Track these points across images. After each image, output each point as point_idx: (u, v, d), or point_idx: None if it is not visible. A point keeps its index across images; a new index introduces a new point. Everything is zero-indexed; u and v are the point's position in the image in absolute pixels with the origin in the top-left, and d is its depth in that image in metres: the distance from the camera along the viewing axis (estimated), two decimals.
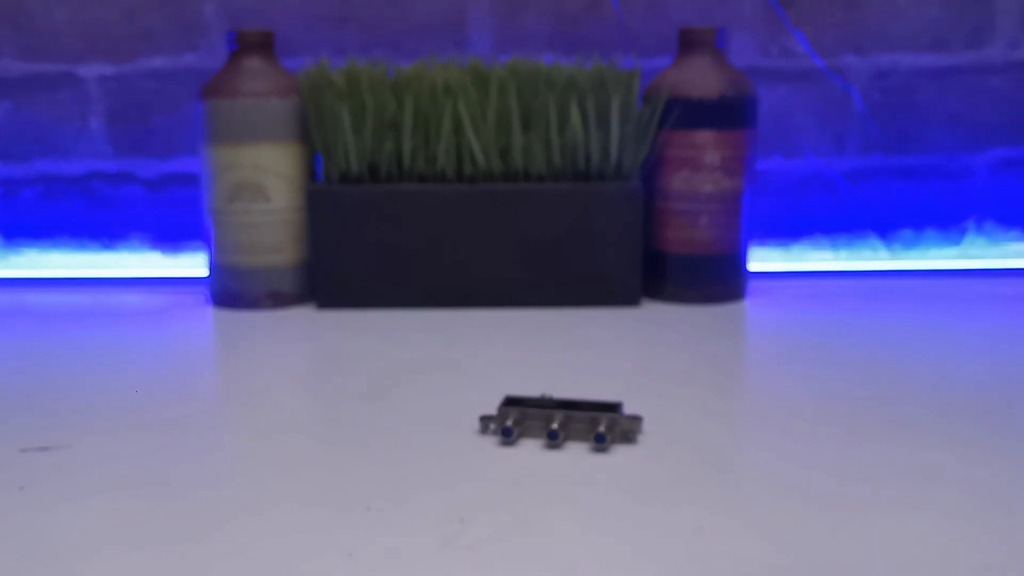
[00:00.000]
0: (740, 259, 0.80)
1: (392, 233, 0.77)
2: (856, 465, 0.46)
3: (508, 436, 0.50)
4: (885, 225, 0.92)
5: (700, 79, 0.77)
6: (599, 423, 0.49)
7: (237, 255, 0.79)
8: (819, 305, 0.79)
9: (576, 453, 0.49)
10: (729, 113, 0.77)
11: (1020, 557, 0.38)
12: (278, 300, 0.80)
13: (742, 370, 0.62)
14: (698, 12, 0.89)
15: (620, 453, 0.49)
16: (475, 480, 0.46)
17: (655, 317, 0.74)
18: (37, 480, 0.46)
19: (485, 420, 0.52)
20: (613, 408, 0.51)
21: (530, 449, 0.49)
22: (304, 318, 0.76)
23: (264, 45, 0.79)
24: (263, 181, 0.78)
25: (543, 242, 0.77)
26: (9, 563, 0.39)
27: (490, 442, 0.50)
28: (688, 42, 0.79)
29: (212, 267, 0.81)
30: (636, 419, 0.50)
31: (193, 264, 0.93)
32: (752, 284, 0.85)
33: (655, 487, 0.45)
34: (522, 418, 0.50)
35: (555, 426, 0.49)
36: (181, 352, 0.68)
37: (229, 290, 0.80)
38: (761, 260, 0.92)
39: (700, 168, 0.77)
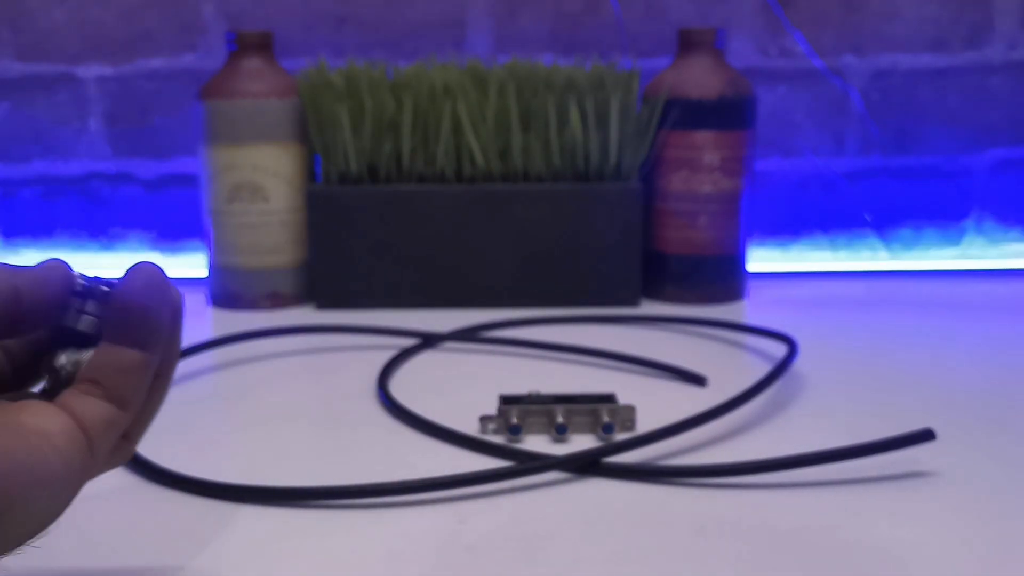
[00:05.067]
0: (739, 259, 0.80)
1: (391, 234, 0.77)
2: (855, 464, 0.46)
3: (516, 433, 0.50)
4: (884, 225, 0.92)
5: (699, 79, 0.77)
6: (601, 414, 0.51)
7: (236, 256, 0.79)
8: (818, 305, 0.79)
9: (581, 444, 0.49)
10: (728, 113, 0.77)
11: (1020, 558, 0.38)
12: (277, 301, 0.80)
13: (741, 371, 0.62)
14: (697, 12, 0.89)
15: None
16: (477, 480, 0.46)
17: (654, 317, 0.74)
18: None
19: (485, 420, 0.52)
20: (609, 399, 0.52)
21: (538, 444, 0.49)
22: (303, 319, 0.76)
23: (263, 46, 0.79)
24: (262, 182, 0.78)
25: (542, 242, 0.77)
26: (9, 563, 0.38)
27: (490, 441, 0.50)
28: (687, 42, 0.79)
29: (211, 268, 0.81)
30: (631, 408, 0.51)
31: (192, 265, 0.93)
32: (751, 284, 0.85)
33: (655, 484, 0.45)
34: (524, 415, 0.51)
35: (561, 420, 0.50)
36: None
37: (228, 291, 0.80)
38: (760, 260, 0.92)
39: (699, 168, 0.77)
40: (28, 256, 0.93)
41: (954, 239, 0.93)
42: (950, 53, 0.89)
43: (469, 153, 0.77)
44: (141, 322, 0.31)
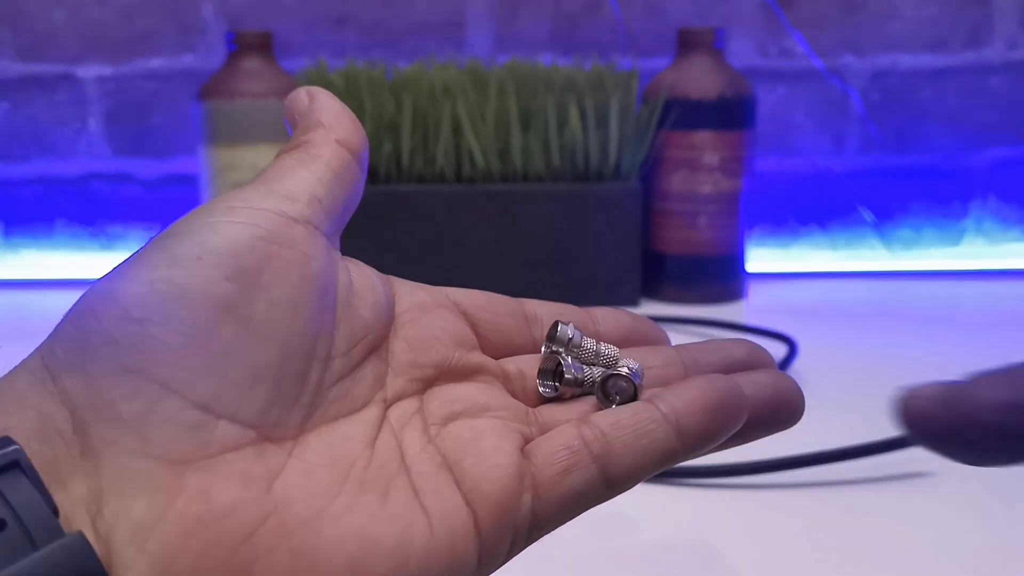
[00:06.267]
0: (739, 259, 0.80)
1: (391, 234, 0.77)
2: (855, 464, 0.46)
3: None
4: (884, 225, 0.92)
5: (699, 80, 0.77)
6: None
7: None
8: (818, 305, 0.79)
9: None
10: (728, 114, 0.77)
11: (1020, 558, 0.38)
12: None
13: None
14: (696, 12, 0.89)
15: None
16: None
17: (654, 317, 0.74)
18: None
19: None
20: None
21: None
22: None
23: (263, 46, 0.79)
24: None
25: (542, 243, 0.77)
26: None
27: None
28: (687, 43, 0.79)
29: None
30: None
31: None
32: (751, 284, 0.85)
33: (656, 484, 0.45)
34: None
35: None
36: None
37: None
38: (760, 260, 0.92)
39: (699, 169, 0.77)
40: (27, 256, 0.93)
41: (954, 239, 0.93)
42: (950, 53, 0.89)
43: (469, 153, 0.77)
44: (702, 424, 0.24)
